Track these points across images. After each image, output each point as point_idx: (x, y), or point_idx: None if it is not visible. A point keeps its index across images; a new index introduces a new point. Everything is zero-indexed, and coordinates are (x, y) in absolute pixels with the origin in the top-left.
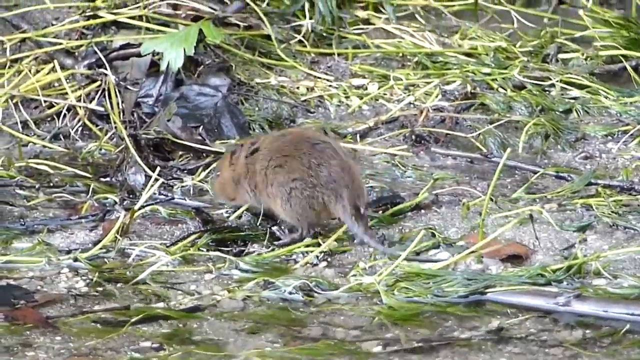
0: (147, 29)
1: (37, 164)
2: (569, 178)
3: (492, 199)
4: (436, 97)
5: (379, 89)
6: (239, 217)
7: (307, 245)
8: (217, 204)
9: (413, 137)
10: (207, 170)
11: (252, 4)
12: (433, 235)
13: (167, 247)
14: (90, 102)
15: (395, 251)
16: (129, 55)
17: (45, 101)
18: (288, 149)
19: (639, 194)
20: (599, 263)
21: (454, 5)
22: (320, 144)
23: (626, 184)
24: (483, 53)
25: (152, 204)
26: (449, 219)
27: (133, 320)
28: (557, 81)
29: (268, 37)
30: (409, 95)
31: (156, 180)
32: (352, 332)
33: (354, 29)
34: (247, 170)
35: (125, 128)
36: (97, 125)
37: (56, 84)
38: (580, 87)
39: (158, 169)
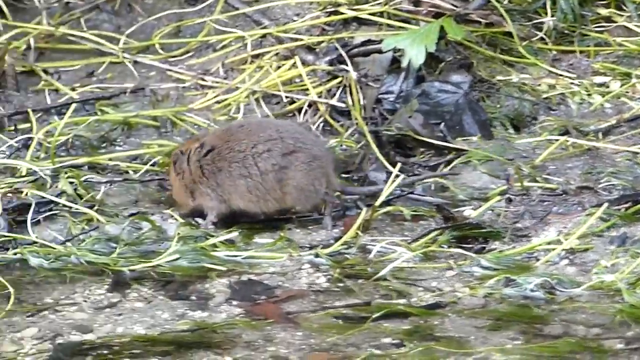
0: (388, 25)
1: None
2: None
3: None
4: None
5: (621, 86)
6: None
7: (549, 243)
8: (458, 200)
9: None
10: (449, 167)
11: (493, 0)
12: None
13: (409, 243)
14: (332, 98)
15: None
16: (370, 52)
17: (286, 97)
18: (270, 132)
19: None
20: None
21: None
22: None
23: None
24: None
25: (393, 199)
26: None
27: (374, 316)
28: None
29: (509, 34)
30: None
31: (397, 176)
32: (594, 330)
33: (596, 27)
34: (201, 173)
35: (367, 124)
36: (338, 121)
37: (297, 80)
38: None
39: (399, 165)
